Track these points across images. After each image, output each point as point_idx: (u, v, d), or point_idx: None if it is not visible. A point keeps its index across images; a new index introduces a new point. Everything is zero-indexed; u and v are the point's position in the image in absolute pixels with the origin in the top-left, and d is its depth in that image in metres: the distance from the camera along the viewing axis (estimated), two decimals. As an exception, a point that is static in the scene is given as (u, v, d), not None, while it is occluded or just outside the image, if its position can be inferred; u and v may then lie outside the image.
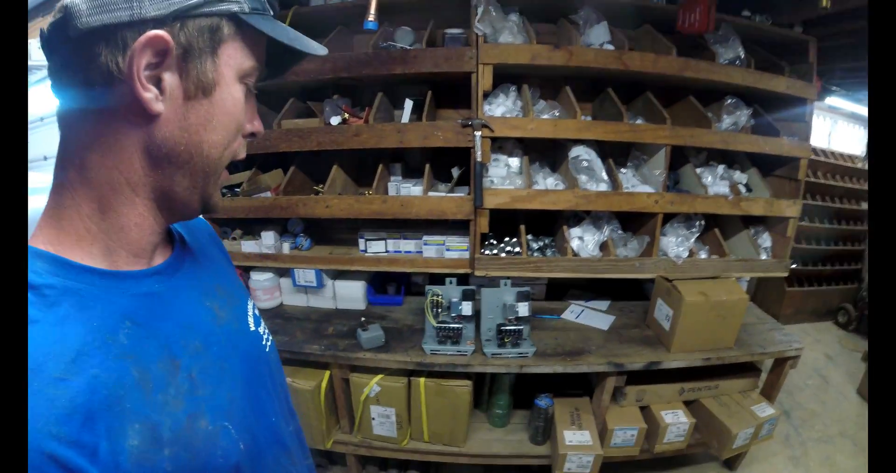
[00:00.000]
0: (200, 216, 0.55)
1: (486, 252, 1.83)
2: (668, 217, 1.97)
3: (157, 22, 0.40)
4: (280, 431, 0.59)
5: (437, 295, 1.73)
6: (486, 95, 1.73)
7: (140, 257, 0.48)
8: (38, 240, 0.43)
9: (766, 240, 2.23)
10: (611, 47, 1.79)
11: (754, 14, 2.10)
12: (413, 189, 1.78)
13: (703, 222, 1.99)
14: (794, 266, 3.76)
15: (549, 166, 1.95)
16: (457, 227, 1.85)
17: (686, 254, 1.94)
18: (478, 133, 1.66)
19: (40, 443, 0.33)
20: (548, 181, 1.81)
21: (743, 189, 2.08)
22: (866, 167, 4.33)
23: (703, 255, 2.01)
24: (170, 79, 0.42)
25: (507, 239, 1.88)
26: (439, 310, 1.73)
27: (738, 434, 1.82)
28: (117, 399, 0.38)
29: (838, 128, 4.20)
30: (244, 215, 1.85)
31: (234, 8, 0.43)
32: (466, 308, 1.72)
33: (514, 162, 1.83)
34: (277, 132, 1.78)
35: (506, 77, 1.82)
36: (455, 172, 1.89)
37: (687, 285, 1.79)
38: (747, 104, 2.07)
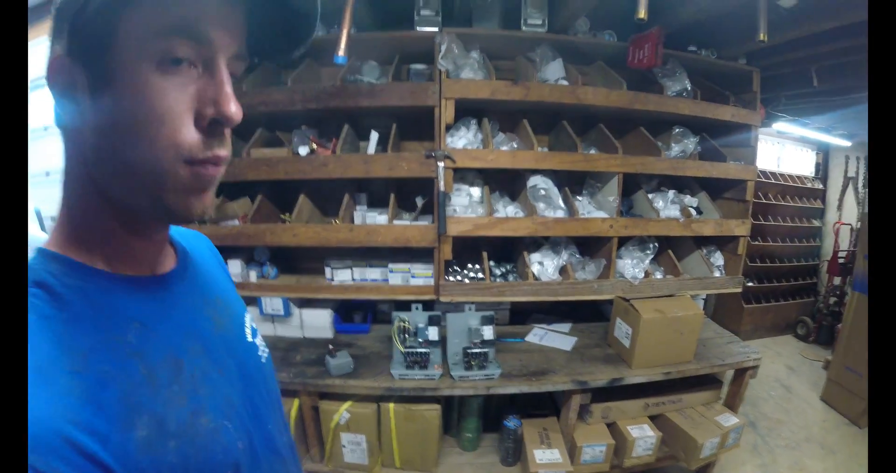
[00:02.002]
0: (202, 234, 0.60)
1: (451, 278, 1.89)
2: (624, 240, 2.07)
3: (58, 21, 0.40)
4: (275, 440, 0.59)
5: (404, 321, 1.76)
6: (448, 128, 1.81)
7: (144, 264, 0.50)
8: (52, 243, 0.45)
9: (718, 259, 2.35)
10: (565, 83, 1.90)
11: (700, 48, 2.25)
12: (379, 218, 1.83)
13: (656, 245, 2.10)
14: (750, 284, 3.95)
15: (509, 195, 2.04)
16: (421, 254, 1.90)
17: (642, 275, 2.04)
18: (441, 164, 1.73)
19: (59, 428, 0.35)
20: (508, 209, 1.89)
21: (694, 212, 2.21)
22: (816, 187, 4.60)
23: (658, 275, 2.11)
24: (79, 79, 0.41)
25: (470, 265, 1.94)
26: (406, 336, 1.77)
27: (705, 443, 1.88)
28: (126, 393, 0.40)
29: (787, 151, 4.46)
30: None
31: None
32: (433, 333, 1.75)
33: (476, 191, 1.91)
34: (245, 161, 1.82)
35: (467, 110, 1.91)
36: (419, 201, 1.95)
37: (644, 304, 1.88)
38: (694, 133, 2.21)
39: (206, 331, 0.53)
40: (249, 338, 0.62)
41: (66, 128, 0.44)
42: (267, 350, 0.65)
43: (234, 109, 0.42)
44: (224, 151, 0.44)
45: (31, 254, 0.43)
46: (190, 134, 0.41)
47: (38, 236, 3.40)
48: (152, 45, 0.39)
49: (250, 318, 0.65)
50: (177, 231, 0.60)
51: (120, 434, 0.38)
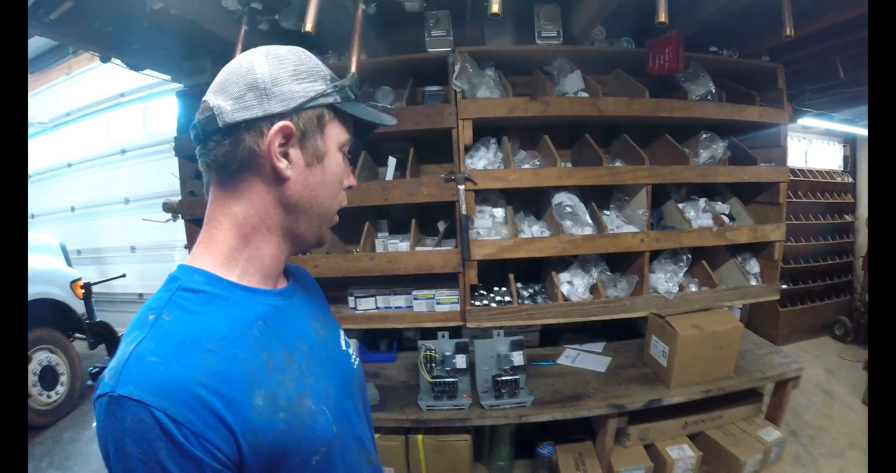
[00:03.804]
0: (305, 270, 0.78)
1: (477, 303, 1.83)
2: (655, 254, 1.98)
3: (282, 115, 0.56)
4: (361, 433, 0.70)
5: (431, 350, 1.71)
6: (467, 149, 1.76)
7: (268, 279, 0.63)
8: (196, 261, 0.58)
9: (754, 266, 2.25)
10: (585, 94, 1.84)
11: (721, 49, 2.16)
12: (400, 245, 1.78)
13: (689, 256, 2.01)
14: (784, 287, 3.79)
15: (534, 214, 1.98)
16: (446, 280, 1.85)
17: (676, 289, 1.95)
18: (461, 187, 1.68)
19: (193, 388, 0.46)
20: (533, 229, 1.82)
21: (726, 219, 2.11)
22: (846, 180, 4.42)
23: (693, 288, 2.02)
24: (294, 153, 0.58)
25: (496, 289, 1.88)
26: (433, 365, 1.71)
27: (747, 461, 1.80)
28: (249, 371, 0.52)
29: (813, 146, 4.29)
30: (232, 277, 1.83)
31: (331, 100, 0.60)
32: (460, 361, 1.70)
33: (499, 212, 1.85)
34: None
35: (485, 130, 1.86)
36: (441, 225, 1.90)
37: (680, 320, 1.80)
38: (722, 137, 2.12)
39: (311, 337, 0.66)
40: (343, 348, 0.75)
41: (261, 186, 0.59)
42: (358, 359, 0.78)
43: (355, 181, 0.68)
44: (346, 203, 0.68)
45: (174, 270, 0.58)
46: (343, 193, 0.66)
47: (64, 269, 3.43)
48: (340, 141, 0.63)
49: (343, 332, 0.79)
50: (288, 264, 0.74)
51: (242, 399, 0.50)
